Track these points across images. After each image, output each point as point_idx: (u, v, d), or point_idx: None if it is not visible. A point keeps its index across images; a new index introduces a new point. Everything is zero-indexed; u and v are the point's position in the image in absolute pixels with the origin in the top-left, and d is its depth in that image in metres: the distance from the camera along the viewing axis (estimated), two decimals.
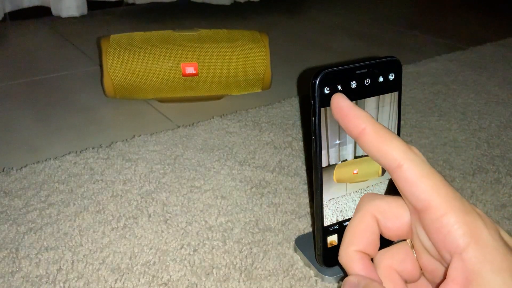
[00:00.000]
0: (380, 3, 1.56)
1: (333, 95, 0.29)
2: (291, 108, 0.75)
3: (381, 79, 0.36)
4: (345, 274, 0.30)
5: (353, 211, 0.40)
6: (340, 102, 0.28)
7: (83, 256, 0.44)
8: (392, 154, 0.26)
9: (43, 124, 0.72)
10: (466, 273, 0.23)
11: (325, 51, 1.07)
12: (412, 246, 0.29)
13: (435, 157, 0.62)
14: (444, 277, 0.24)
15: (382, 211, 0.28)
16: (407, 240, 0.29)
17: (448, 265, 0.24)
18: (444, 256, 0.24)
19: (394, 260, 0.29)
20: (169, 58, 0.73)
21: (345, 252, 0.29)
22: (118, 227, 0.48)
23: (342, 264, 0.30)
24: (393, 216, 0.28)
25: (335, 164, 0.38)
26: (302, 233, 0.48)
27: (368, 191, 0.40)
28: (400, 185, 0.26)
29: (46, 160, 0.60)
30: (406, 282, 0.29)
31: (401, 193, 0.26)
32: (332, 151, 0.37)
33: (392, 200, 0.28)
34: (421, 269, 0.29)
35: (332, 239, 0.40)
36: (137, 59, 0.73)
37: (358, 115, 0.27)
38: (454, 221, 0.24)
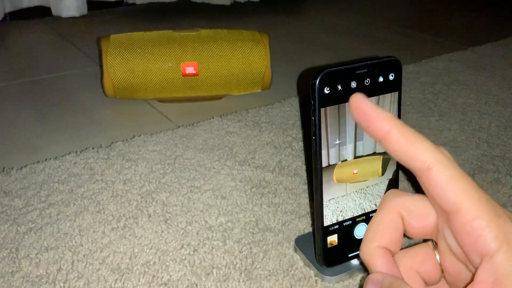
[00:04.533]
0: (380, 3, 1.56)
1: (352, 95, 0.27)
2: (291, 108, 0.75)
3: (381, 79, 0.36)
4: (365, 270, 0.30)
5: (353, 211, 0.40)
6: (360, 103, 0.27)
7: (83, 256, 0.44)
8: (420, 156, 0.25)
9: (43, 124, 0.72)
10: (495, 276, 0.23)
11: (325, 51, 1.07)
12: (435, 247, 0.28)
13: None
14: (471, 280, 0.24)
15: (408, 208, 0.28)
16: (429, 242, 0.29)
17: (476, 268, 0.24)
18: (473, 259, 0.24)
19: (416, 261, 0.28)
20: (169, 58, 0.73)
21: (367, 247, 0.28)
22: (118, 227, 0.48)
23: (363, 259, 0.29)
24: (419, 214, 0.27)
25: (335, 164, 0.38)
26: (302, 233, 0.48)
27: (368, 191, 0.40)
28: (428, 188, 0.25)
29: (46, 160, 0.60)
30: (426, 284, 0.29)
31: (428, 196, 0.26)
32: (332, 151, 0.37)
33: (419, 199, 0.28)
34: (442, 272, 0.28)
35: (332, 239, 0.40)
36: (137, 59, 0.73)
37: (381, 116, 0.26)
38: (485, 225, 0.23)
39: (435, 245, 0.28)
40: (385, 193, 0.41)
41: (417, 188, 0.29)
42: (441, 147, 0.26)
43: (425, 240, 0.30)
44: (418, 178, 0.26)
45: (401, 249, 0.30)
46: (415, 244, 0.31)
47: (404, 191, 0.29)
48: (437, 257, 0.28)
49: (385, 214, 0.28)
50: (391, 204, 0.28)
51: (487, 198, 0.24)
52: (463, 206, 0.24)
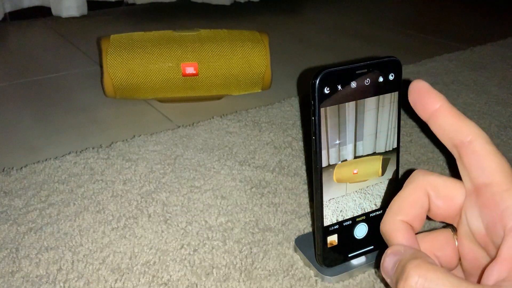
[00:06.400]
0: (380, 3, 1.56)
1: (414, 81, 0.30)
2: (291, 108, 0.75)
3: (381, 79, 0.36)
4: (383, 247, 0.29)
5: (353, 211, 0.40)
6: (420, 83, 0.29)
7: (83, 256, 0.44)
8: (465, 130, 0.27)
9: (43, 124, 0.72)
10: None
11: (325, 51, 1.07)
12: (454, 233, 0.29)
13: (435, 157, 0.62)
14: (492, 259, 0.24)
15: (436, 188, 0.28)
16: (449, 228, 0.29)
17: (498, 247, 0.24)
18: (497, 234, 0.25)
19: (435, 245, 0.29)
20: (169, 58, 0.73)
21: (391, 220, 0.29)
22: (118, 227, 0.48)
23: (384, 232, 0.29)
24: (446, 195, 0.28)
25: (335, 164, 0.38)
26: (302, 233, 0.48)
27: (368, 191, 0.40)
28: (467, 159, 0.27)
29: (46, 160, 0.60)
30: None
31: (464, 168, 0.27)
32: (332, 151, 0.37)
33: (448, 180, 0.29)
34: (459, 259, 0.28)
35: (332, 239, 0.40)
36: (137, 59, 0.73)
37: (435, 94, 0.28)
38: None
39: (455, 231, 0.29)
40: (385, 193, 0.41)
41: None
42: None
43: (444, 226, 0.30)
44: (458, 151, 0.27)
45: (419, 232, 0.30)
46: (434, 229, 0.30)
47: (432, 171, 0.30)
48: (456, 243, 0.28)
49: (412, 190, 0.29)
50: (420, 181, 0.29)
51: None
52: (496, 179, 0.25)
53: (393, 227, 0.28)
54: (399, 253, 0.27)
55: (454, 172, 0.59)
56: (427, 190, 0.28)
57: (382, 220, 0.29)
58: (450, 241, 0.29)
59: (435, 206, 0.28)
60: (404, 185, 0.30)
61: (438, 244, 0.29)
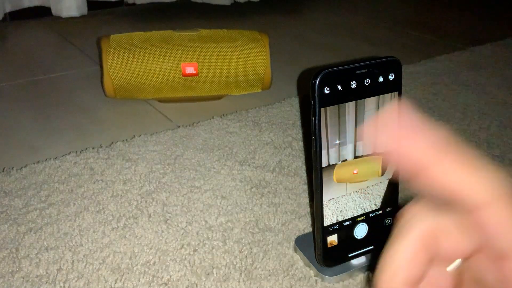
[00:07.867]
0: (380, 3, 1.56)
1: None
2: (291, 108, 0.75)
3: (381, 79, 0.36)
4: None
5: (353, 211, 0.40)
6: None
7: (83, 256, 0.44)
8: (471, 194, 0.19)
9: (43, 124, 0.72)
10: None
11: (325, 51, 1.07)
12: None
13: None
14: None
15: (441, 232, 0.21)
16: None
17: None
18: None
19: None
20: (169, 58, 0.73)
21: (387, 286, 0.21)
22: (118, 227, 0.48)
23: None
24: (455, 238, 0.21)
25: (335, 164, 0.38)
26: (302, 233, 0.48)
27: (368, 191, 0.40)
28: (477, 229, 0.19)
29: (46, 160, 0.60)
30: None
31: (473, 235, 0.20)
32: (332, 151, 0.37)
33: (455, 218, 0.21)
34: None
35: (332, 239, 0.40)
36: (137, 59, 0.73)
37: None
38: None
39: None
40: (385, 193, 0.41)
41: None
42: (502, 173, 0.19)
43: None
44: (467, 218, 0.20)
45: None
46: None
47: (431, 205, 0.22)
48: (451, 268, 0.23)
49: (412, 241, 0.21)
50: (420, 229, 0.21)
51: None
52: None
53: None
54: None
55: None
56: (429, 238, 0.21)
57: (377, 283, 0.22)
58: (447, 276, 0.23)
59: (438, 254, 0.22)
60: (398, 231, 0.21)
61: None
